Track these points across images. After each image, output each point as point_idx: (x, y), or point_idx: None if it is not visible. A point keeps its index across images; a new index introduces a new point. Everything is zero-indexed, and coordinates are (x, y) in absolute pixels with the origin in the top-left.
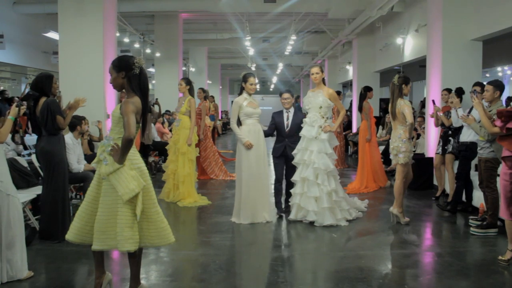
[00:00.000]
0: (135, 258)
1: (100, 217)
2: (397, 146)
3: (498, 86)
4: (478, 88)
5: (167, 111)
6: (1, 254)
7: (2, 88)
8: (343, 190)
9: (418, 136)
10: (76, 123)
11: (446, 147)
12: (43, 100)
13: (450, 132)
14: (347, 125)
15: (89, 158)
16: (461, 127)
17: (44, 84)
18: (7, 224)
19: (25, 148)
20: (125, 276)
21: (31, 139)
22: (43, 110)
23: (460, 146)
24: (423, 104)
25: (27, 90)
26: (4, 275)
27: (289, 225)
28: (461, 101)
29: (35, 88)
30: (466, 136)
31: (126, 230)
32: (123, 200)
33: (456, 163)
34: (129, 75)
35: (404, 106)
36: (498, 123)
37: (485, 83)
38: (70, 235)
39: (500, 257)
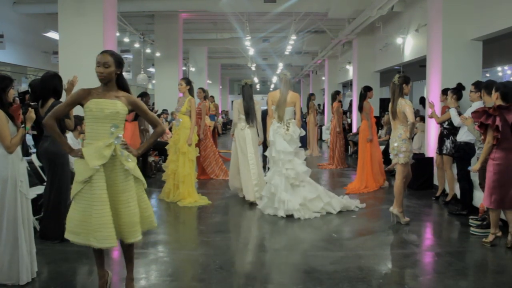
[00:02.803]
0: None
1: (133, 211)
2: (397, 146)
3: (483, 87)
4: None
5: (164, 110)
6: (31, 254)
7: None
8: (294, 188)
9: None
10: (77, 123)
11: (442, 148)
12: (51, 101)
13: (445, 132)
14: (348, 125)
15: None
16: (458, 127)
17: (57, 84)
18: (28, 224)
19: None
20: (125, 276)
21: (31, 139)
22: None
23: (455, 147)
24: (423, 102)
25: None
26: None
27: (289, 225)
28: (461, 97)
29: (46, 89)
30: (460, 135)
31: (151, 209)
32: (145, 186)
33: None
34: (120, 73)
35: (405, 106)
36: (476, 127)
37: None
38: (111, 242)
39: (484, 240)
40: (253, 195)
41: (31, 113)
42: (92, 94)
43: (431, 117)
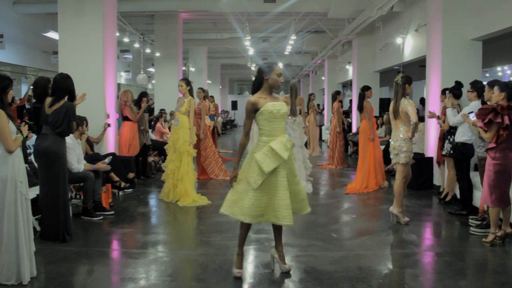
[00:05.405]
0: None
1: (303, 189)
2: (398, 146)
3: (478, 88)
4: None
5: (161, 110)
6: (30, 253)
7: None
8: None
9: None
10: (79, 123)
11: (443, 149)
12: (63, 101)
13: (445, 133)
14: (348, 125)
15: (90, 157)
16: (455, 128)
17: (71, 85)
18: (28, 224)
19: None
20: (125, 276)
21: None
22: (60, 111)
23: (452, 148)
24: (423, 102)
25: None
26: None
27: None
28: (461, 95)
29: (63, 89)
30: (457, 135)
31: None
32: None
33: None
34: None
35: (407, 105)
36: (480, 124)
37: (485, 82)
38: (291, 221)
39: (484, 239)
40: None
41: (24, 128)
42: (261, 100)
43: (431, 117)
